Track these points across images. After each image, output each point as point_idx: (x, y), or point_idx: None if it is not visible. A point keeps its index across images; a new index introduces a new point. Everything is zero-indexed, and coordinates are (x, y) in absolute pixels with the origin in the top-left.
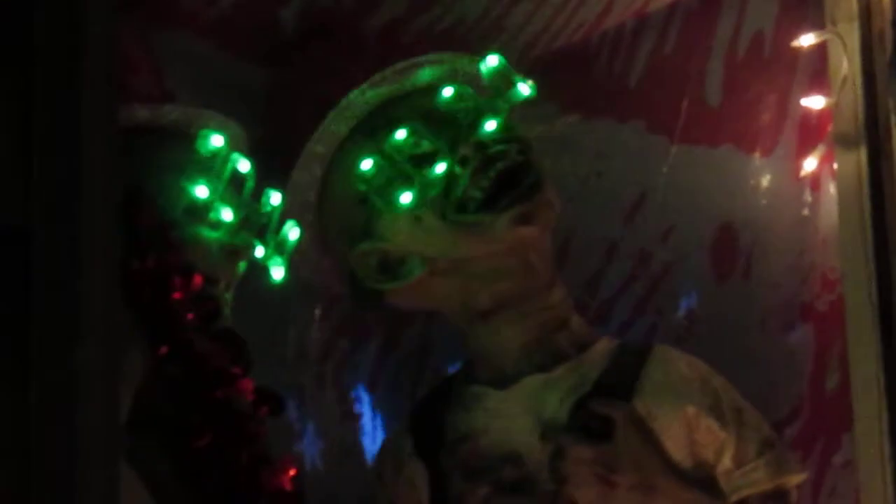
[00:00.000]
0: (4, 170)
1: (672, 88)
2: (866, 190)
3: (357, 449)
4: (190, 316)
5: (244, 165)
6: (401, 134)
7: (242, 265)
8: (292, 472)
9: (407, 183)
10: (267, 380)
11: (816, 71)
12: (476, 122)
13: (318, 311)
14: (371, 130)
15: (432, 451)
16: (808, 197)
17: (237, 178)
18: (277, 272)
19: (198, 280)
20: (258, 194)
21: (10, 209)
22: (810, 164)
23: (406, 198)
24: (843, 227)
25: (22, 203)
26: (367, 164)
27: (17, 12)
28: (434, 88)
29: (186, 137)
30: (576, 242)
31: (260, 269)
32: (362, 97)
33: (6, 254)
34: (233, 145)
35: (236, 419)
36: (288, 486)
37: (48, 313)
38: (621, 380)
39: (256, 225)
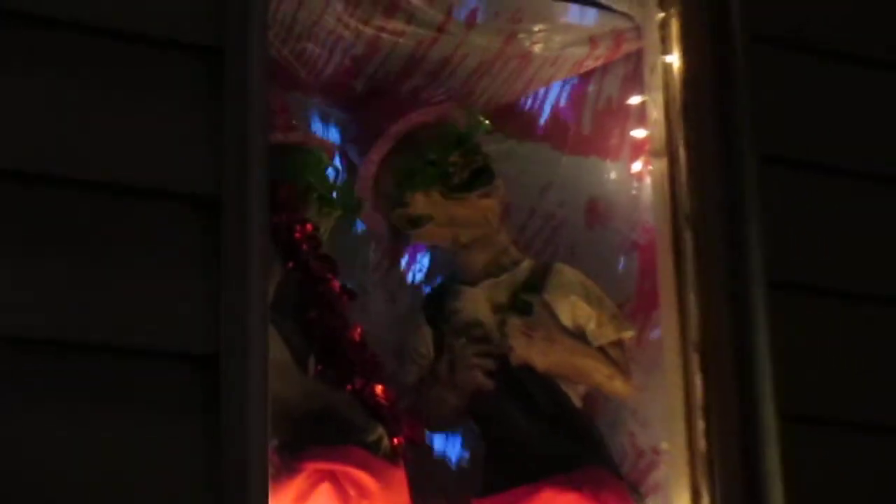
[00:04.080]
0: (205, 163)
1: (565, 124)
2: (666, 180)
3: (395, 319)
4: (305, 247)
5: (335, 165)
6: (418, 148)
7: (334, 221)
8: (360, 330)
9: (422, 174)
10: (347, 281)
11: (641, 116)
12: (460, 143)
13: (373, 245)
14: (402, 148)
15: (435, 321)
16: (635, 183)
17: (332, 172)
18: (353, 225)
19: (309, 227)
20: (343, 181)
21: (208, 186)
22: (637, 166)
23: (421, 183)
24: (654, 199)
25: (216, 182)
26: (401, 164)
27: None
28: (439, 123)
29: (305, 150)
30: (512, 207)
31: (344, 222)
32: (397, 129)
33: (197, 217)
34: (328, 155)
35: (330, 301)
36: (358, 338)
37: (234, 247)
38: (537, 282)
39: (342, 197)
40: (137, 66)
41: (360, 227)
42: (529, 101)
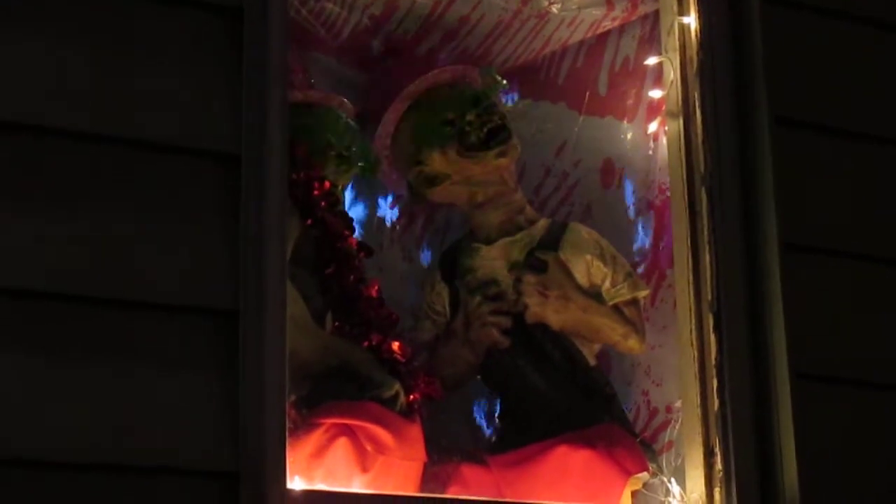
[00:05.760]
0: (225, 120)
1: (581, 85)
2: (682, 141)
3: (410, 276)
4: (323, 203)
5: (353, 124)
6: (436, 108)
7: (351, 179)
8: (376, 286)
9: (439, 133)
10: (364, 238)
11: (657, 77)
12: (476, 102)
13: (390, 203)
14: (420, 106)
15: (451, 278)
16: (651, 144)
17: (350, 130)
18: (370, 183)
19: (327, 185)
20: (361, 139)
21: (228, 143)
22: (653, 126)
23: (438, 142)
24: (670, 160)
25: (236, 139)
26: (418, 123)
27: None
28: (455, 83)
29: (322, 108)
30: (528, 167)
31: (361, 179)
32: (414, 88)
33: (216, 174)
34: (347, 113)
35: (347, 258)
36: (375, 294)
37: (254, 203)
38: (552, 241)
39: (359, 156)
40: (159, 24)
41: (376, 185)
42: (546, 62)
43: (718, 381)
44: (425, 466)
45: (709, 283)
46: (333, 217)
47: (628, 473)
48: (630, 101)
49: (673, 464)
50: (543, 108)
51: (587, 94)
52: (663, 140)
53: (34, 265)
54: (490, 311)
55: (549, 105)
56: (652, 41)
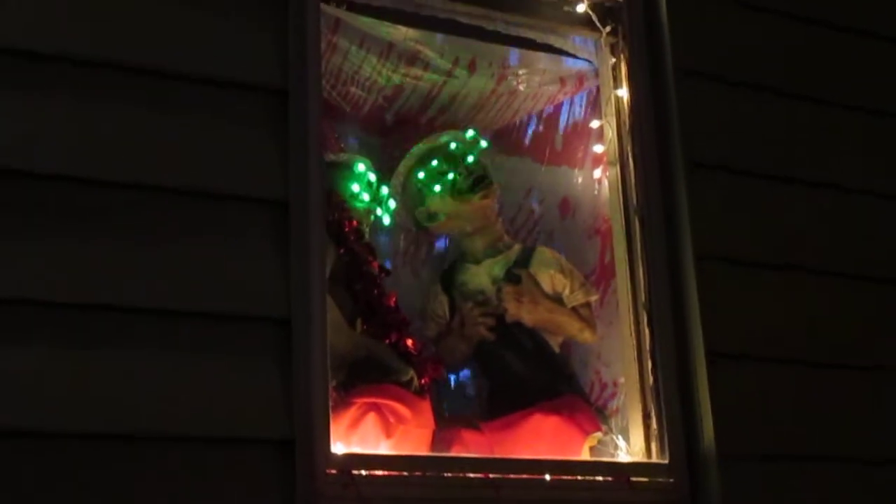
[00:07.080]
0: (277, 176)
1: (543, 142)
2: (619, 182)
3: (419, 287)
4: (352, 237)
5: (372, 177)
6: (434, 163)
7: (372, 218)
8: (394, 297)
9: (437, 182)
10: (382, 261)
11: (599, 135)
12: (464, 157)
13: (402, 235)
14: (422, 162)
15: (449, 290)
16: (596, 185)
17: (370, 182)
18: (387, 220)
19: (355, 223)
20: (379, 188)
21: (279, 193)
22: (597, 172)
23: (437, 188)
24: (611, 197)
25: (286, 190)
26: (421, 175)
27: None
28: (448, 144)
29: (349, 166)
30: (505, 205)
31: (379, 219)
32: (418, 148)
33: (271, 216)
34: (368, 168)
35: (371, 277)
36: (392, 303)
37: (300, 238)
38: (524, 260)
39: (378, 201)
40: (226, 106)
41: (392, 222)
42: (516, 126)
43: (652, 362)
44: (434, 433)
45: (643, 288)
46: (360, 247)
47: (587, 433)
48: (580, 154)
49: (620, 425)
50: (515, 160)
51: (547, 149)
52: (605, 182)
53: (135, 287)
54: (479, 314)
55: (518, 159)
56: (595, 109)
